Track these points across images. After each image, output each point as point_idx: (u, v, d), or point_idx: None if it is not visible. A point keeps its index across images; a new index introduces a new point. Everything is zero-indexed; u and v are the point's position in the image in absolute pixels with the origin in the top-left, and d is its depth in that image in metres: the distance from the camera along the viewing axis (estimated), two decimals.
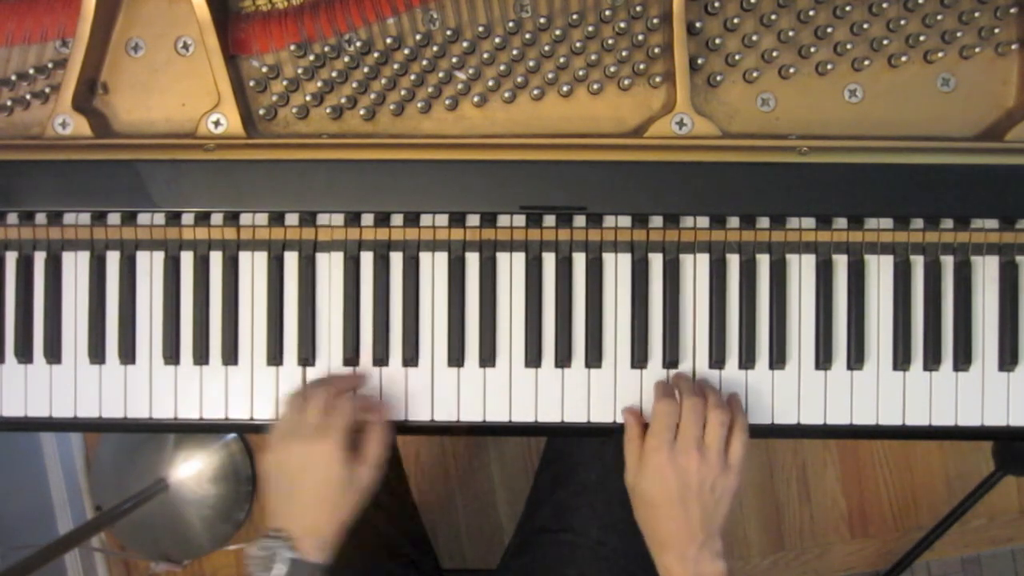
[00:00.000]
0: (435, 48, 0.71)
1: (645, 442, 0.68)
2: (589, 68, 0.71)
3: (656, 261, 0.73)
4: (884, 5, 0.70)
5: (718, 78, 0.72)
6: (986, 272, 0.73)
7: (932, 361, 0.73)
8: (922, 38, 0.71)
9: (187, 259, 0.74)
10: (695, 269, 0.73)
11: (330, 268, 0.74)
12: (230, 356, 0.73)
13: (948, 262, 0.73)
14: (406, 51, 0.71)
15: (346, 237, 0.73)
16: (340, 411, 0.67)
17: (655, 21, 0.70)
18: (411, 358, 0.73)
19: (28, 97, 0.73)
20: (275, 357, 0.74)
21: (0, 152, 0.70)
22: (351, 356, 0.73)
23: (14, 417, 0.75)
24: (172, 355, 0.74)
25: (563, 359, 0.73)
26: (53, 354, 0.74)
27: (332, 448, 0.66)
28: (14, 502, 1.42)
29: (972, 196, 0.70)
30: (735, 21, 0.70)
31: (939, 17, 0.70)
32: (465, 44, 0.70)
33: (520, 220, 0.72)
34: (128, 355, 0.74)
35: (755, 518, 1.61)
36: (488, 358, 0.73)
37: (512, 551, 0.92)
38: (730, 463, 0.67)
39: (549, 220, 0.72)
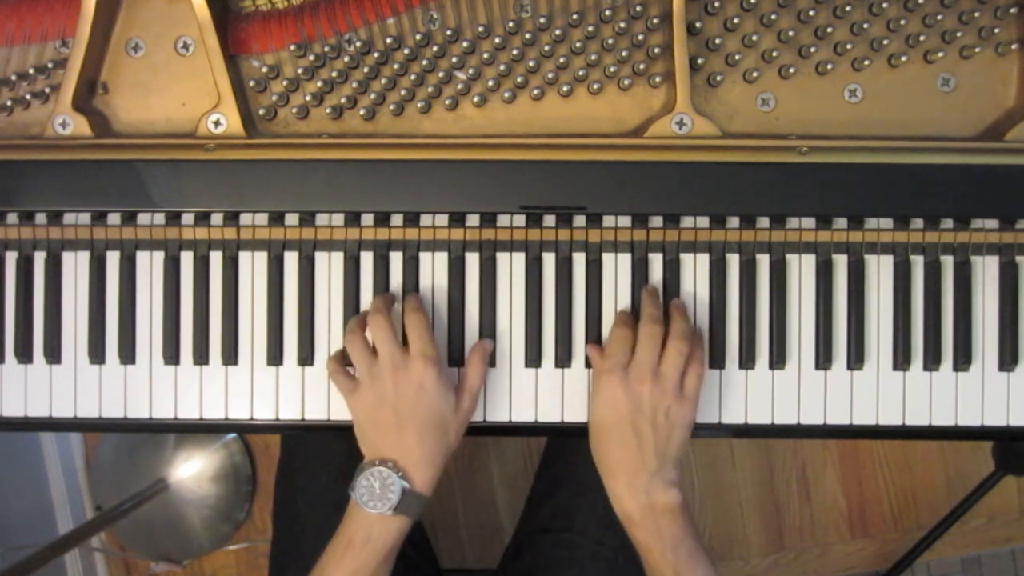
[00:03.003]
0: (435, 48, 0.71)
1: (598, 366, 0.67)
2: (589, 68, 0.71)
3: (656, 261, 0.73)
4: (884, 5, 0.70)
5: (718, 78, 0.72)
6: (986, 272, 0.73)
7: (932, 361, 0.73)
8: (922, 38, 0.71)
9: (187, 259, 0.74)
10: (695, 269, 0.73)
11: (330, 268, 0.73)
12: (230, 356, 0.73)
13: (948, 262, 0.73)
14: (406, 51, 0.71)
15: (346, 237, 0.73)
16: (424, 336, 0.67)
17: (655, 21, 0.70)
18: None
19: (28, 97, 0.73)
20: (275, 357, 0.74)
21: (0, 152, 0.70)
22: None
23: (14, 417, 0.75)
24: (172, 355, 0.74)
25: (563, 359, 0.73)
26: (53, 354, 0.74)
27: (437, 372, 0.66)
28: (14, 502, 1.41)
29: (972, 196, 0.70)
30: (735, 21, 0.70)
31: (939, 17, 0.70)
32: (465, 44, 0.70)
33: (520, 220, 0.72)
34: (128, 355, 0.74)
35: (755, 518, 1.61)
36: (488, 358, 0.73)
37: (512, 551, 0.92)
38: (685, 393, 0.66)
39: (549, 220, 0.72)
